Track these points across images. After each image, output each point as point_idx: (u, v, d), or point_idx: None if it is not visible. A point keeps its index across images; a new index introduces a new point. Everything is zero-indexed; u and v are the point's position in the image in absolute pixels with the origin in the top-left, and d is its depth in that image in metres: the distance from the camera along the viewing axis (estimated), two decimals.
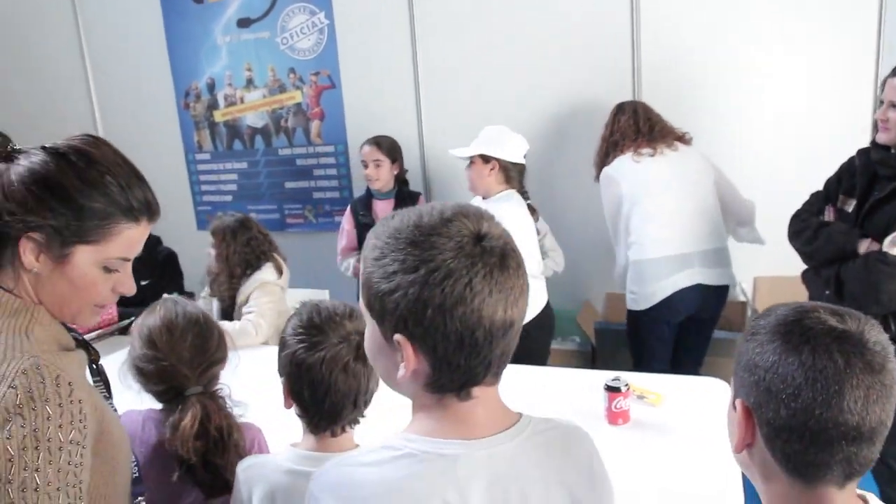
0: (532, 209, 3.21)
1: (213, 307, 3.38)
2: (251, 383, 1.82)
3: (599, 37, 3.86)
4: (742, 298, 3.89)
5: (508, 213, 2.87)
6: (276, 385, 1.51)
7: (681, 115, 3.49)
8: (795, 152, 3.65)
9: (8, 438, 1.00)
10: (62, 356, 1.15)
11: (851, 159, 2.60)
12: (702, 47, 3.72)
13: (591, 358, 3.98)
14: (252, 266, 3.30)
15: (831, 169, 2.67)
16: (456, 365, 0.97)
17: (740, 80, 3.70)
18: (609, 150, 3.31)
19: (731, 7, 3.65)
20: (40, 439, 1.02)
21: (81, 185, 1.15)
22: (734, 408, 1.03)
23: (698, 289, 3.16)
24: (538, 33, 3.97)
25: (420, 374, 0.99)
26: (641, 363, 3.34)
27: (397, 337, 0.97)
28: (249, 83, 4.69)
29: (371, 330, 1.04)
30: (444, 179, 4.32)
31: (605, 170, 3.28)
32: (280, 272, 3.36)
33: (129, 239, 1.22)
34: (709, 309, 3.27)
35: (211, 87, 4.80)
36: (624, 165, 3.22)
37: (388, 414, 1.34)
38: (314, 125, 4.58)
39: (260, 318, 3.18)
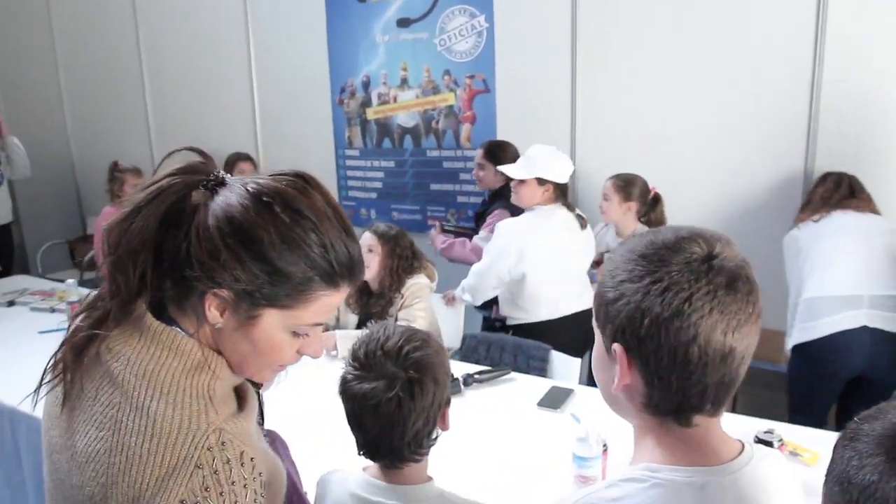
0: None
1: (349, 320, 3.36)
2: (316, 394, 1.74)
3: (776, 81, 3.60)
4: None
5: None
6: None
7: (858, 164, 3.29)
8: None
9: None
10: (243, 419, 1.07)
11: None
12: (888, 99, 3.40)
13: (733, 400, 3.71)
14: (409, 273, 3.26)
15: None
16: (668, 383, 0.95)
17: None
18: (800, 213, 3.31)
19: None
20: None
21: (282, 245, 1.00)
22: None
23: (866, 333, 2.98)
24: (708, 58, 3.73)
25: (635, 392, 0.99)
26: (797, 411, 3.15)
27: (615, 346, 0.98)
28: (404, 83, 4.69)
29: (598, 342, 1.05)
30: (595, 190, 4.15)
31: (790, 232, 3.28)
32: (432, 279, 3.34)
33: (326, 305, 1.07)
34: (883, 362, 2.99)
35: (366, 85, 4.84)
36: (807, 224, 3.23)
37: None
38: (465, 128, 4.53)
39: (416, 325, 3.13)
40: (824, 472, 2.00)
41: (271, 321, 1.04)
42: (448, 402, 1.46)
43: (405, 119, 4.75)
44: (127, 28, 5.90)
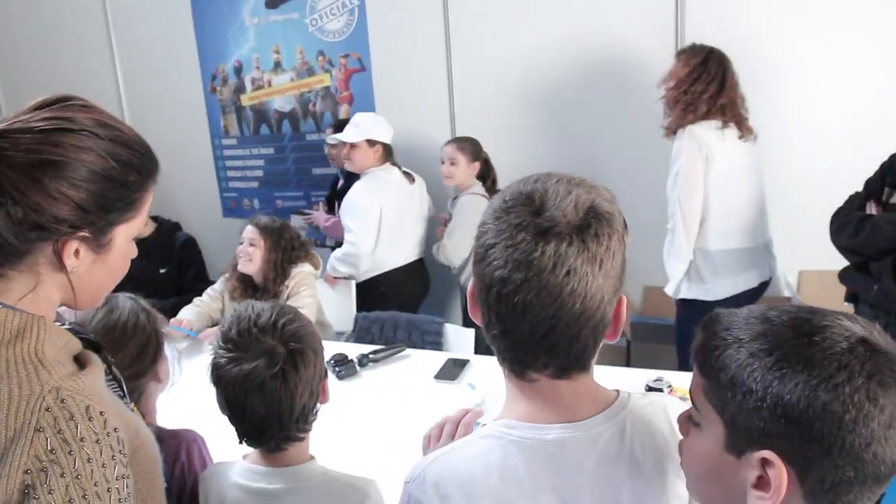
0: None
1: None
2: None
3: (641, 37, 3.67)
4: (787, 294, 3.68)
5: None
6: None
7: None
8: (848, 146, 3.44)
9: (50, 493, 0.87)
10: (84, 376, 0.99)
11: (893, 156, 2.49)
12: (756, 23, 3.48)
13: (626, 355, 3.81)
14: (292, 263, 3.18)
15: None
16: (486, 326, 0.96)
17: (793, 66, 3.47)
18: (689, 105, 2.86)
19: None
20: (86, 487, 0.89)
21: (113, 163, 1.01)
22: (729, 453, 0.83)
23: (762, 287, 3.06)
24: (574, 26, 3.77)
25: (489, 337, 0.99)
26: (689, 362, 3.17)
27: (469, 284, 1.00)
28: (277, 66, 4.56)
29: None
30: None
31: (695, 129, 2.84)
32: (317, 267, 3.26)
33: (150, 200, 1.11)
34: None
35: (238, 71, 4.68)
36: (713, 136, 2.84)
37: None
38: (343, 109, 4.44)
39: (306, 311, 3.05)
40: None
41: (121, 238, 1.06)
42: (326, 374, 1.42)
43: (281, 103, 4.62)
44: None
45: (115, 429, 0.95)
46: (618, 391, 1.03)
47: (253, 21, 4.55)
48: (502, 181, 3.73)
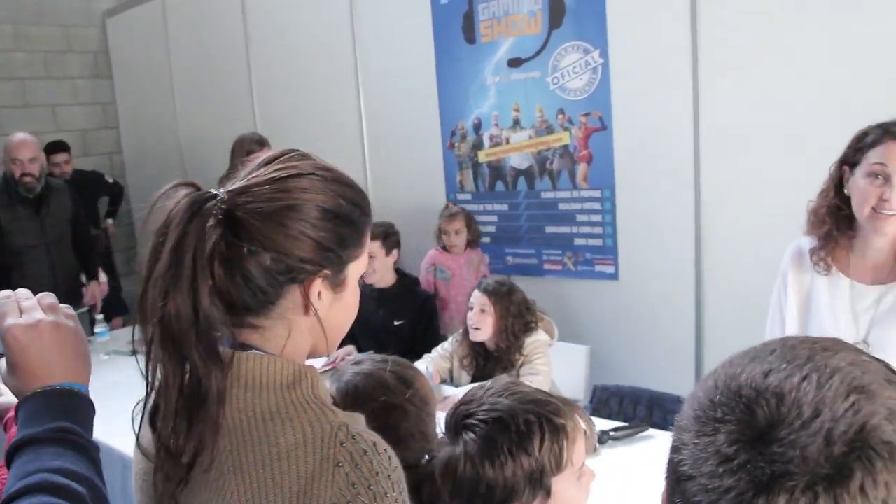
0: None
1: (463, 378, 3.21)
2: None
3: None
4: None
5: None
6: None
7: None
8: None
9: None
10: (357, 416, 1.04)
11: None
12: None
13: None
14: (526, 333, 3.09)
15: None
16: None
17: None
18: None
19: None
20: None
21: (343, 202, 1.05)
22: None
23: None
24: None
25: None
26: None
27: None
28: (516, 123, 4.57)
29: None
30: (721, 232, 3.90)
31: None
32: (551, 333, 3.15)
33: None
34: None
35: (477, 127, 4.75)
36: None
37: None
38: (580, 168, 4.35)
39: (540, 379, 2.97)
40: None
41: (353, 276, 1.09)
42: None
43: (518, 160, 4.61)
44: (241, 82, 6.05)
45: (397, 467, 0.99)
46: None
47: (495, 80, 4.61)
48: None
